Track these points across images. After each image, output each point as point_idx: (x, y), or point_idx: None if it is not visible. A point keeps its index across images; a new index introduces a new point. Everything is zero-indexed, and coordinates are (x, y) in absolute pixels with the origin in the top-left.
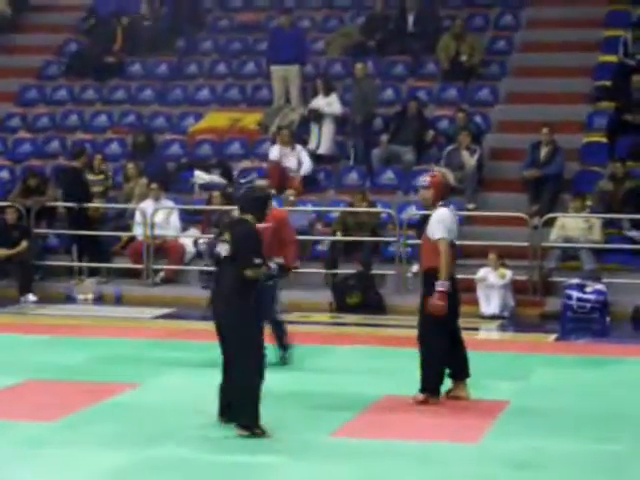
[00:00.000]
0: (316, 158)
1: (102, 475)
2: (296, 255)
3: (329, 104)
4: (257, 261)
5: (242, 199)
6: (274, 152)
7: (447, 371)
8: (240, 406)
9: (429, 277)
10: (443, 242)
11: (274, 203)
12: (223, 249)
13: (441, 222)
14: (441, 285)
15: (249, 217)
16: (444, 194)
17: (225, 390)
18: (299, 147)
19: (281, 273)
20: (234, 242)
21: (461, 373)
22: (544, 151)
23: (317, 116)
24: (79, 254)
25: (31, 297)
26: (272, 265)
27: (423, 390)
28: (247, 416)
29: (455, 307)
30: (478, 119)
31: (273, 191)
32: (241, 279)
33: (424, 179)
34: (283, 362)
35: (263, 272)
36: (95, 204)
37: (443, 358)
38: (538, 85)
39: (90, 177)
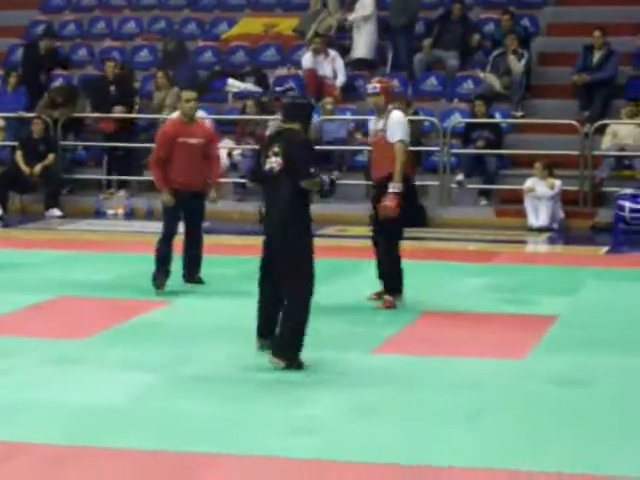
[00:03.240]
0: (354, 63)
1: (133, 392)
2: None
3: (362, 5)
4: (313, 171)
5: (287, 107)
6: (307, 60)
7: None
8: (286, 336)
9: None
10: (401, 144)
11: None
12: (274, 162)
13: (400, 124)
14: (393, 187)
15: (296, 126)
16: (393, 99)
17: (269, 312)
18: (333, 53)
19: (332, 187)
20: (287, 153)
21: None
22: (597, 55)
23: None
24: (109, 167)
25: (57, 212)
26: (324, 177)
27: (387, 292)
28: (291, 348)
29: (411, 215)
30: (526, 22)
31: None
32: (296, 192)
33: (374, 85)
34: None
35: (319, 182)
36: (124, 115)
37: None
38: None
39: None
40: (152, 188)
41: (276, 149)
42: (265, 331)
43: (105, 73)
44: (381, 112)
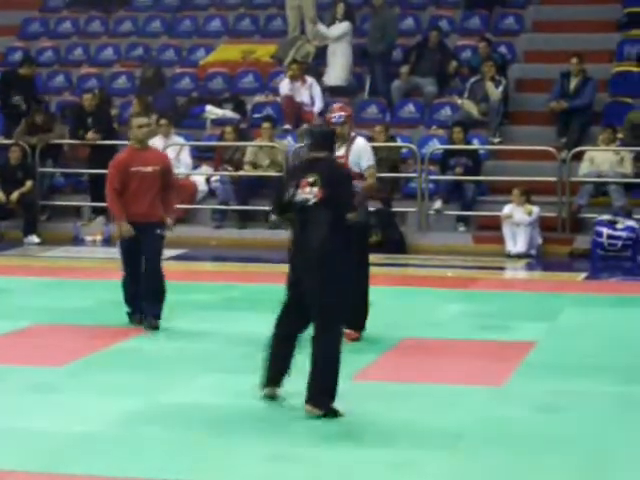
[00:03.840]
0: (331, 89)
1: (114, 421)
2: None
3: (337, 27)
4: (354, 203)
5: (318, 135)
6: (284, 87)
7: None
8: (323, 381)
9: None
10: (373, 170)
11: (289, 138)
12: (310, 193)
13: (368, 150)
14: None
15: (327, 154)
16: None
17: (285, 356)
18: (310, 80)
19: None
20: (328, 184)
21: None
22: (574, 82)
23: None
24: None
25: (35, 239)
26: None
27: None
28: (330, 394)
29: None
30: (503, 49)
31: (288, 126)
32: (336, 224)
33: (339, 115)
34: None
35: (362, 215)
36: (100, 142)
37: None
38: (565, 12)
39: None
40: None
41: (311, 179)
42: (278, 377)
43: (82, 104)
44: (344, 140)
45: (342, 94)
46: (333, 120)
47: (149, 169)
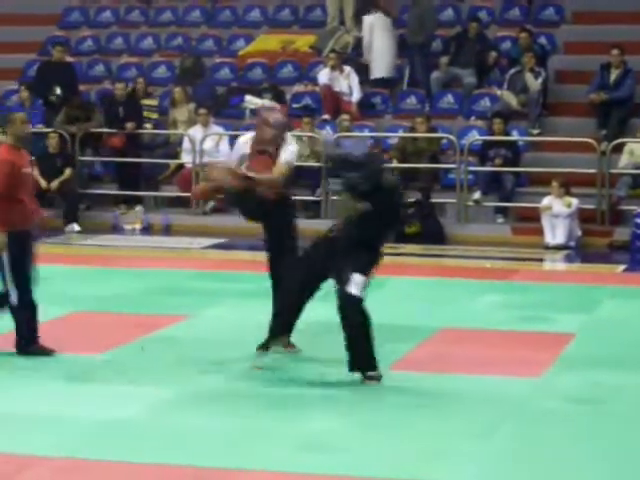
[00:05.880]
0: (373, 81)
1: (151, 408)
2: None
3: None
4: None
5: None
6: (323, 76)
7: None
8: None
9: None
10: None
11: (327, 128)
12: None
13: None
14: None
15: None
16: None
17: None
18: (348, 69)
19: None
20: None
21: None
22: (614, 73)
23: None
24: (121, 182)
25: (76, 227)
26: None
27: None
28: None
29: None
30: (543, 40)
31: (327, 116)
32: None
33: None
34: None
35: None
36: (141, 130)
37: None
38: (606, 3)
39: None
40: (169, 203)
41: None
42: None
43: (115, 94)
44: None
45: (383, 85)
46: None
47: (29, 171)
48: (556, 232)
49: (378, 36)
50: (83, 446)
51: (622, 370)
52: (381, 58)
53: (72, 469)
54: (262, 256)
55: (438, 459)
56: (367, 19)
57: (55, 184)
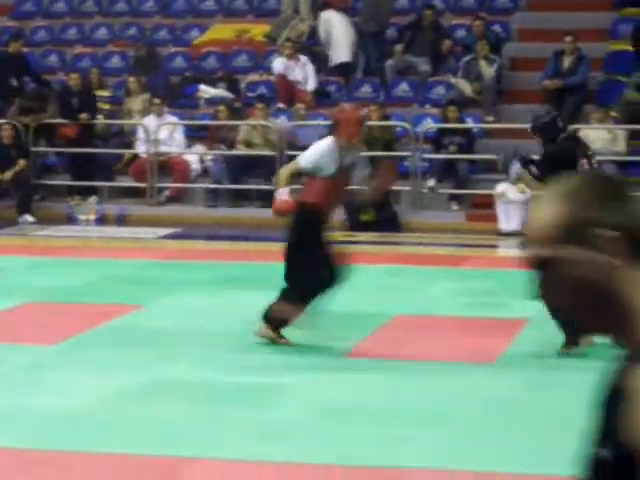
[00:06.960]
0: (334, 68)
1: (106, 398)
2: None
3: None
4: None
5: None
6: (278, 65)
7: None
8: None
9: None
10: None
11: (282, 117)
12: None
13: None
14: None
15: None
16: None
17: None
18: (304, 59)
19: None
20: None
21: None
22: (568, 60)
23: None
24: (74, 173)
25: (29, 218)
26: None
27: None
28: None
29: None
30: (497, 27)
31: (282, 105)
32: None
33: None
34: None
35: None
36: (95, 121)
37: None
38: None
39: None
40: (124, 194)
41: None
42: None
43: (69, 84)
44: None
45: (337, 73)
46: None
47: None
48: (510, 219)
49: (335, 26)
50: (41, 438)
51: (575, 354)
52: (340, 44)
53: (32, 461)
54: (219, 245)
55: (393, 444)
56: (323, 15)
57: (9, 175)
